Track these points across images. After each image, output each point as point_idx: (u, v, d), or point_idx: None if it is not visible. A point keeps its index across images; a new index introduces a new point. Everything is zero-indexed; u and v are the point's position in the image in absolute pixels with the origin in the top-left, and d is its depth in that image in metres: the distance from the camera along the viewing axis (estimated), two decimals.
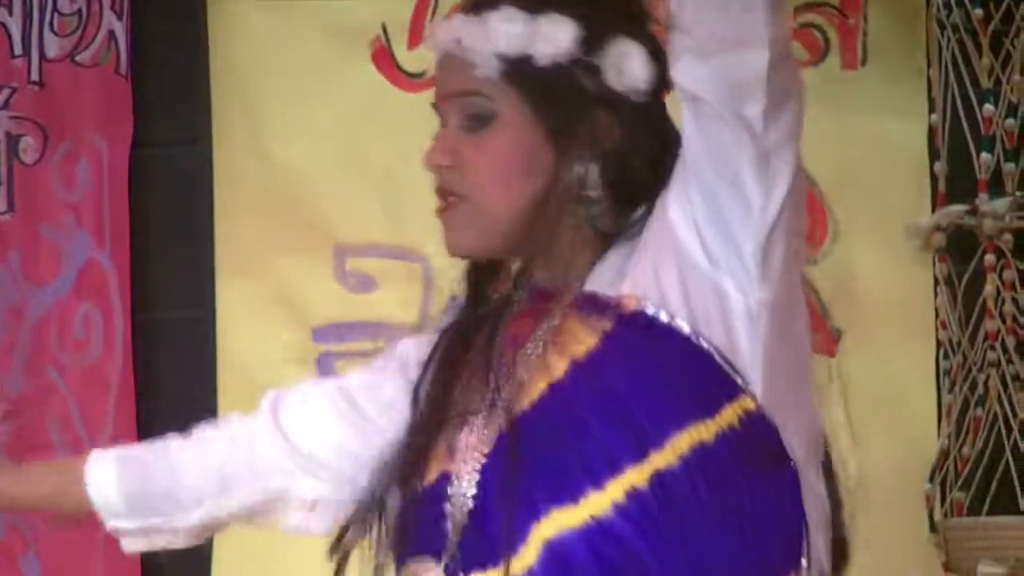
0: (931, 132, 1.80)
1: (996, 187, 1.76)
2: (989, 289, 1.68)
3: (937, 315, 1.77)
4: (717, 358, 0.82)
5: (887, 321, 2.04)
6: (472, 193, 0.83)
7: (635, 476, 0.83)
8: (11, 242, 1.66)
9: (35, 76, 1.83)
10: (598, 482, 0.84)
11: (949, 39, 1.79)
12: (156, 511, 1.02)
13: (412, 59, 1.92)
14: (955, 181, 1.79)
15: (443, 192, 0.84)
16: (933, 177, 1.78)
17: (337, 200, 1.85)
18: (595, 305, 0.87)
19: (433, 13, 1.94)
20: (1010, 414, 1.73)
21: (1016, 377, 1.73)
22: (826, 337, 1.91)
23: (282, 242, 1.75)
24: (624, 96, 0.84)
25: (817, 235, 1.97)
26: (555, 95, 0.85)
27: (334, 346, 1.94)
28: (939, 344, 1.84)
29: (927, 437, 1.85)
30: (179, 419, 1.73)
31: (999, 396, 1.73)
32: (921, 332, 1.90)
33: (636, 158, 0.86)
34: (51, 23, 1.80)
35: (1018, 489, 1.74)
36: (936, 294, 1.83)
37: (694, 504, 0.84)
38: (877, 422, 1.89)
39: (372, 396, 0.98)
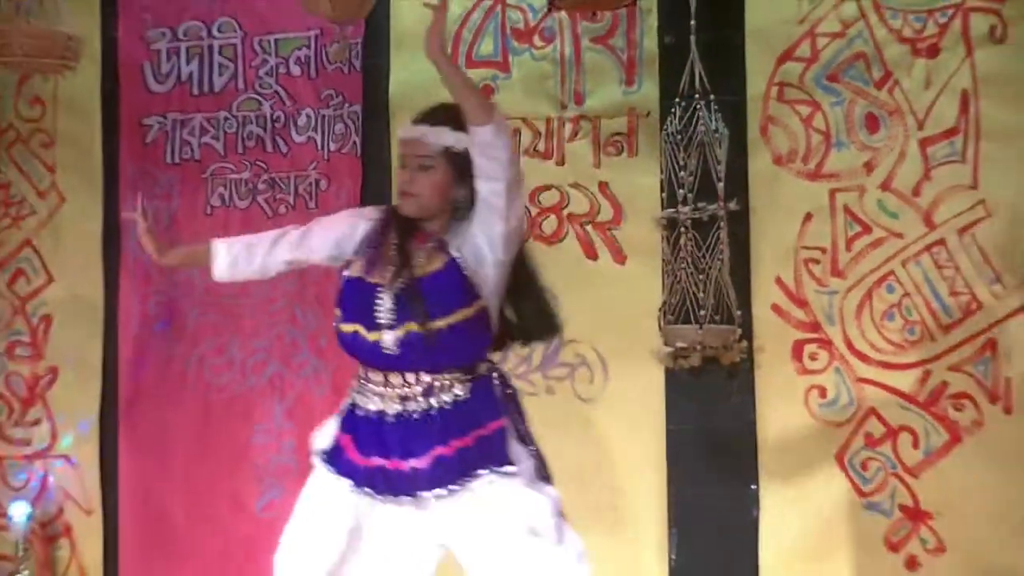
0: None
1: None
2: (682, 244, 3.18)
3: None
4: (473, 280, 2.24)
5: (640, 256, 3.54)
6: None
7: (458, 316, 2.26)
8: None
9: (326, 157, 3.67)
10: (446, 315, 2.24)
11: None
12: (243, 273, 2.46)
13: None
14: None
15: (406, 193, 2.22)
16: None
17: None
18: (444, 248, 2.24)
19: None
20: (690, 290, 3.15)
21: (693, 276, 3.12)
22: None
23: None
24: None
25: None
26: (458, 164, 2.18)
27: None
28: (663, 261, 3.25)
29: (657, 298, 3.33)
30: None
31: (686, 282, 3.15)
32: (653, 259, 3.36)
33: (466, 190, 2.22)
34: (332, 136, 3.65)
35: (690, 314, 3.18)
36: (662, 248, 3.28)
37: (467, 330, 2.26)
38: (637, 296, 3.47)
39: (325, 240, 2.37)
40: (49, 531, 3.93)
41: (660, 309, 3.25)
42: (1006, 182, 3.34)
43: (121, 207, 3.86)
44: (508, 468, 2.31)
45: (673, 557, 3.56)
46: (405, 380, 2.36)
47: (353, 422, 2.40)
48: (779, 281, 3.49)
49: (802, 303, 3.47)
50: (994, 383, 3.33)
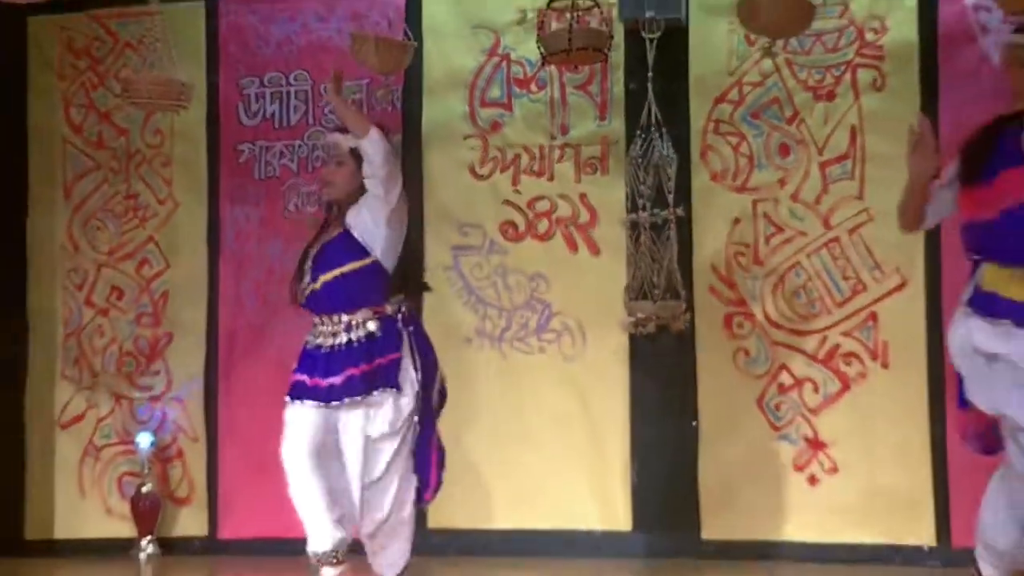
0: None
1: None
2: (642, 240, 3.38)
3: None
4: (362, 242, 2.63)
5: (610, 250, 3.67)
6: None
7: (347, 267, 2.64)
8: None
9: None
10: (339, 266, 2.63)
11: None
12: None
13: (483, 169, 3.80)
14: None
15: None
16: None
17: (457, 208, 3.83)
18: (344, 223, 2.64)
19: (488, 151, 3.76)
20: (647, 275, 3.31)
21: (649, 264, 3.33)
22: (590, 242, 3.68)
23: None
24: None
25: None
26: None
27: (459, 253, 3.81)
28: (627, 253, 3.42)
29: (622, 281, 3.43)
30: None
31: (644, 269, 3.32)
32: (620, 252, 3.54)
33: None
34: None
35: (647, 293, 3.30)
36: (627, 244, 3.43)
37: (359, 277, 2.63)
38: (607, 280, 3.61)
39: None
40: (166, 454, 4.09)
41: (625, 289, 3.48)
42: (884, 194, 3.43)
43: (221, 212, 4.04)
44: (394, 391, 2.64)
45: (634, 480, 3.72)
46: (331, 319, 2.65)
47: (303, 355, 2.74)
48: (714, 268, 3.68)
49: (731, 285, 3.66)
50: (875, 345, 3.54)
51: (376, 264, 2.65)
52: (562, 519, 3.74)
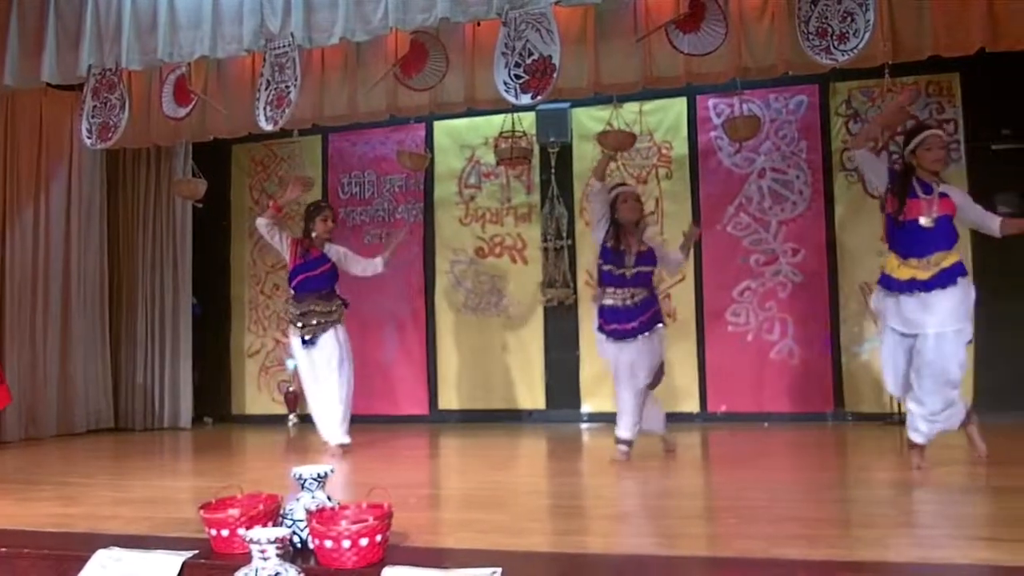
0: None
1: None
2: (550, 257, 4.43)
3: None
4: (656, 257, 3.04)
5: (534, 262, 4.42)
6: None
7: (649, 267, 2.97)
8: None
9: (410, 220, 4.72)
10: (648, 264, 2.96)
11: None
12: None
13: (466, 220, 4.76)
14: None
15: None
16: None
17: (452, 240, 4.86)
18: (645, 243, 3.03)
19: (468, 210, 4.87)
20: (553, 275, 4.42)
21: (554, 269, 4.50)
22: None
23: None
24: None
25: None
26: None
27: (454, 264, 4.59)
28: (543, 264, 4.28)
29: (539, 280, 4.35)
30: None
31: (552, 272, 4.39)
32: (538, 263, 4.42)
33: None
34: (411, 214, 4.79)
35: (554, 284, 4.29)
36: (542, 259, 4.34)
37: (651, 272, 3.02)
38: (532, 277, 4.48)
39: None
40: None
41: (540, 283, 4.57)
42: (674, 230, 4.33)
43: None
44: (661, 327, 3.08)
45: (547, 381, 4.57)
46: (626, 292, 2.97)
47: (603, 311, 3.06)
48: (587, 272, 4.57)
49: (595, 278, 4.31)
50: (669, 309, 4.44)
51: (655, 268, 3.10)
52: (512, 402, 4.72)
